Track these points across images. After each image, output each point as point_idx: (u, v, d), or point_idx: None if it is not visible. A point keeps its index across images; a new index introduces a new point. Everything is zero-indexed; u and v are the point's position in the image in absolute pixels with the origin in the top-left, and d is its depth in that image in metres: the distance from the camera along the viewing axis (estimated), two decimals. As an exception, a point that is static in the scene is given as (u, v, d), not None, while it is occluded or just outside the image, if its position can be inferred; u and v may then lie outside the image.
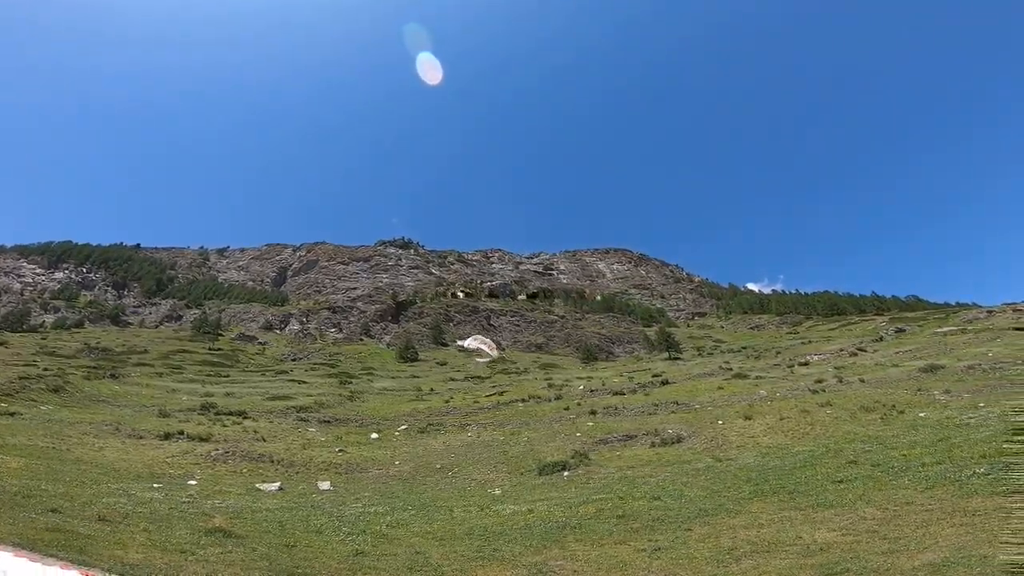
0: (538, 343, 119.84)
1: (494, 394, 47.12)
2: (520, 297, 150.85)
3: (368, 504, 15.48)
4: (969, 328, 59.27)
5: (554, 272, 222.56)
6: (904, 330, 73.92)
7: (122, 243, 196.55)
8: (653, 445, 21.23)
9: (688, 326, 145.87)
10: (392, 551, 10.41)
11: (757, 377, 41.69)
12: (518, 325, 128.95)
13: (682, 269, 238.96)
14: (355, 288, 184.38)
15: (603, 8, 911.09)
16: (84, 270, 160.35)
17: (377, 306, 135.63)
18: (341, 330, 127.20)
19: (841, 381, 34.50)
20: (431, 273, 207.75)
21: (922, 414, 20.37)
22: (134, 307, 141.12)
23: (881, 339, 67.17)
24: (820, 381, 35.07)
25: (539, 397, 42.48)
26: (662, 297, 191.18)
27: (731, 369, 49.63)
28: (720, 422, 23.56)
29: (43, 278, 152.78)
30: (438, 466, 22.12)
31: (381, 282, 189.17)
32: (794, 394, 30.15)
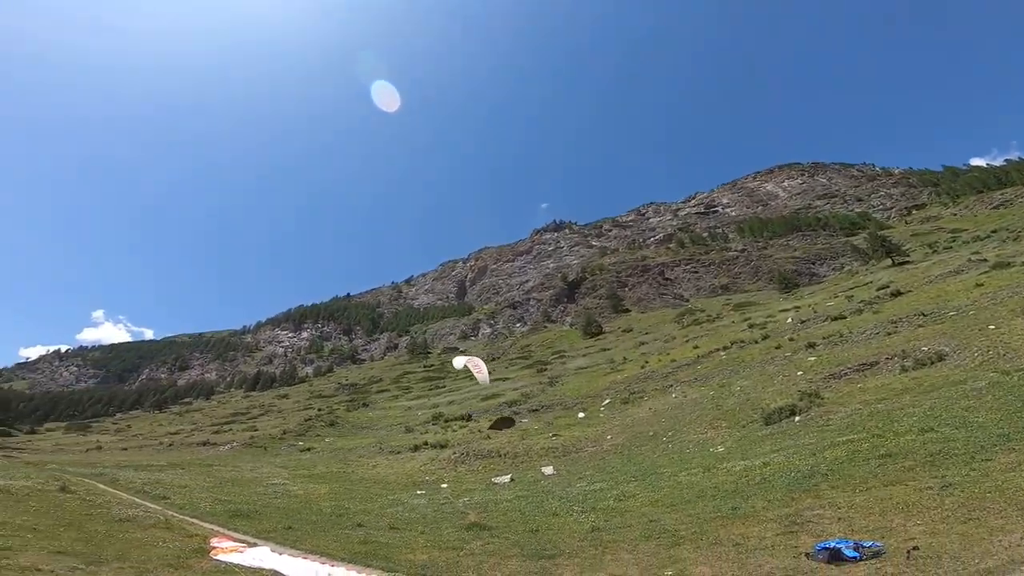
0: (723, 284, 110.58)
1: (691, 349, 44.79)
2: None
3: (591, 482, 15.91)
4: None
5: (718, 208, 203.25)
6: None
7: (336, 296, 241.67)
8: (904, 369, 17.64)
9: (906, 223, 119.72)
10: (626, 523, 10.50)
11: (1032, 256, 32.06)
12: (696, 271, 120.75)
13: (874, 165, 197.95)
14: (527, 281, 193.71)
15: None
16: (320, 325, 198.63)
17: (551, 291, 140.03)
18: (525, 322, 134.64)
19: None
20: (592, 246, 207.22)
21: None
22: (363, 346, 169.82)
23: None
24: None
25: (742, 341, 39.06)
26: (858, 200, 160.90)
27: (986, 260, 39.19)
28: (992, 327, 18.54)
29: (294, 339, 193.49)
30: (650, 433, 21.76)
31: (548, 268, 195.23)
32: (1104, 263, 22.32)
